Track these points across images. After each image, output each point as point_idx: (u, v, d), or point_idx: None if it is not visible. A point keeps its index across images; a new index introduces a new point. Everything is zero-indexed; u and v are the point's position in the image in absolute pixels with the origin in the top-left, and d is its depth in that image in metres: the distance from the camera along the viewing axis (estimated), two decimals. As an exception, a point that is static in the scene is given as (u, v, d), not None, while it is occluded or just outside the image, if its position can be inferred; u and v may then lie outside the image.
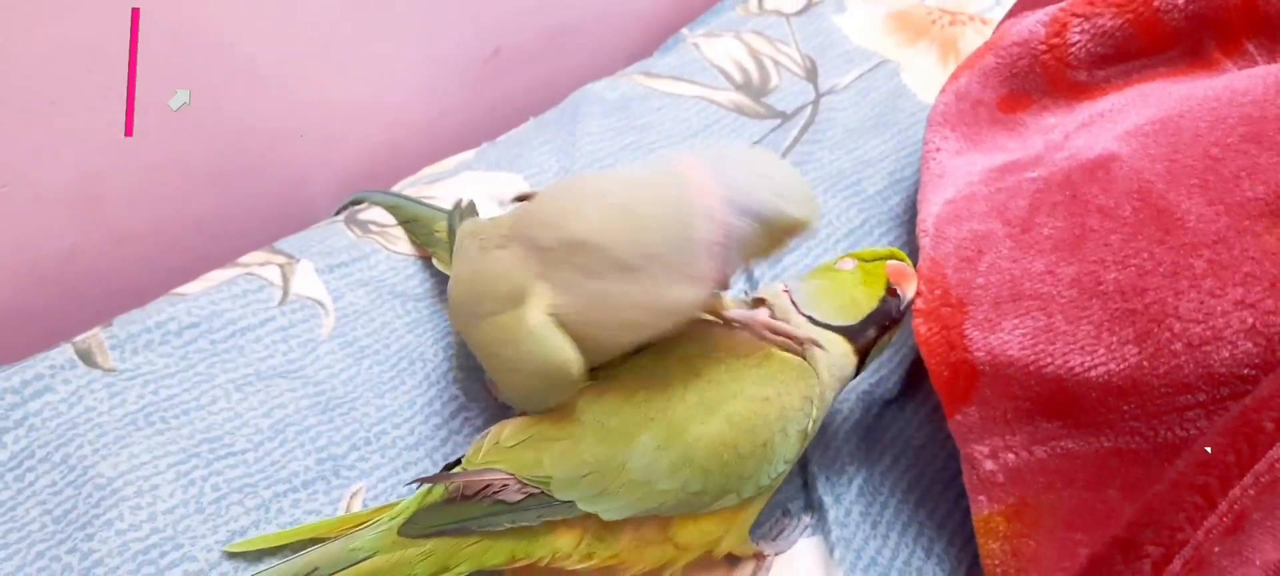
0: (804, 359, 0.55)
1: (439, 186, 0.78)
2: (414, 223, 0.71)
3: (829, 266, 0.60)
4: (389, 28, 0.85)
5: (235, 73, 0.76)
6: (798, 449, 0.54)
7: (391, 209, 0.74)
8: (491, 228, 0.55)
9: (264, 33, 0.76)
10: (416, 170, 0.85)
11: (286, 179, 0.85)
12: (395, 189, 0.80)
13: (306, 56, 0.80)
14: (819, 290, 0.58)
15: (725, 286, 0.53)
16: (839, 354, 0.56)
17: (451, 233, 0.64)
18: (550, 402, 0.53)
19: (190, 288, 0.67)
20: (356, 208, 0.76)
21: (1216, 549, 0.43)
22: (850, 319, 0.57)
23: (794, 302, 0.57)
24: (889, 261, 0.59)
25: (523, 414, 0.55)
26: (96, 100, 0.65)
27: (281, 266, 0.68)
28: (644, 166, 0.53)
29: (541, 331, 0.49)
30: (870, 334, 0.57)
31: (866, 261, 0.60)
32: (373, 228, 0.74)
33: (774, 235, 0.50)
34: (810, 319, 0.57)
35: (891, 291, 0.58)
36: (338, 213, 0.79)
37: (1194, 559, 0.43)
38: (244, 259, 0.70)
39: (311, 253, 0.70)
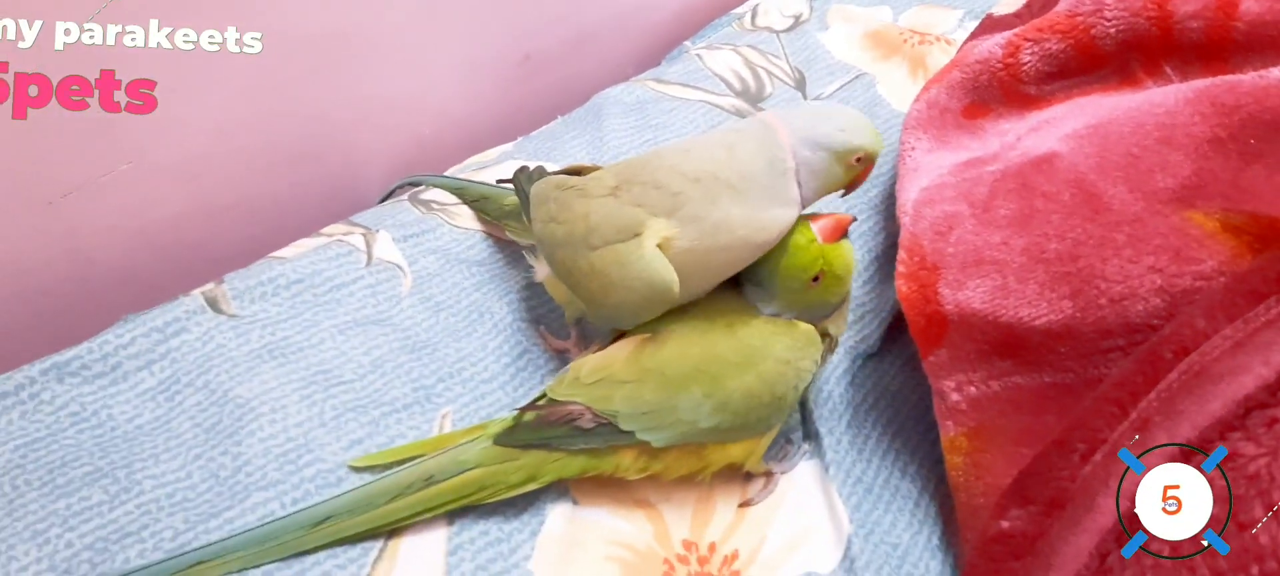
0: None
1: (485, 172, 0.91)
2: (485, 200, 0.84)
3: (805, 287, 0.67)
4: (435, 33, 0.98)
5: (306, 70, 0.88)
6: (801, 396, 0.69)
7: (456, 190, 0.87)
8: (592, 182, 0.68)
9: (330, 33, 0.88)
10: (457, 160, 0.98)
11: (347, 163, 0.97)
12: (448, 173, 0.92)
13: (365, 56, 0.93)
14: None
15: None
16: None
17: (522, 193, 0.77)
18: (644, 319, 0.67)
19: (286, 252, 0.79)
20: (417, 189, 0.89)
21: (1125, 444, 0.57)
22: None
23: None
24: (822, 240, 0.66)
25: (599, 347, 0.69)
26: (199, 91, 0.78)
27: (364, 235, 0.81)
28: (734, 124, 0.67)
29: (653, 256, 0.62)
30: None
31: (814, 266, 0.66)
32: (435, 206, 0.86)
33: (843, 160, 0.65)
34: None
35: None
36: (385, 198, 0.91)
37: (1110, 452, 0.57)
38: (328, 229, 0.82)
39: (386, 225, 0.83)
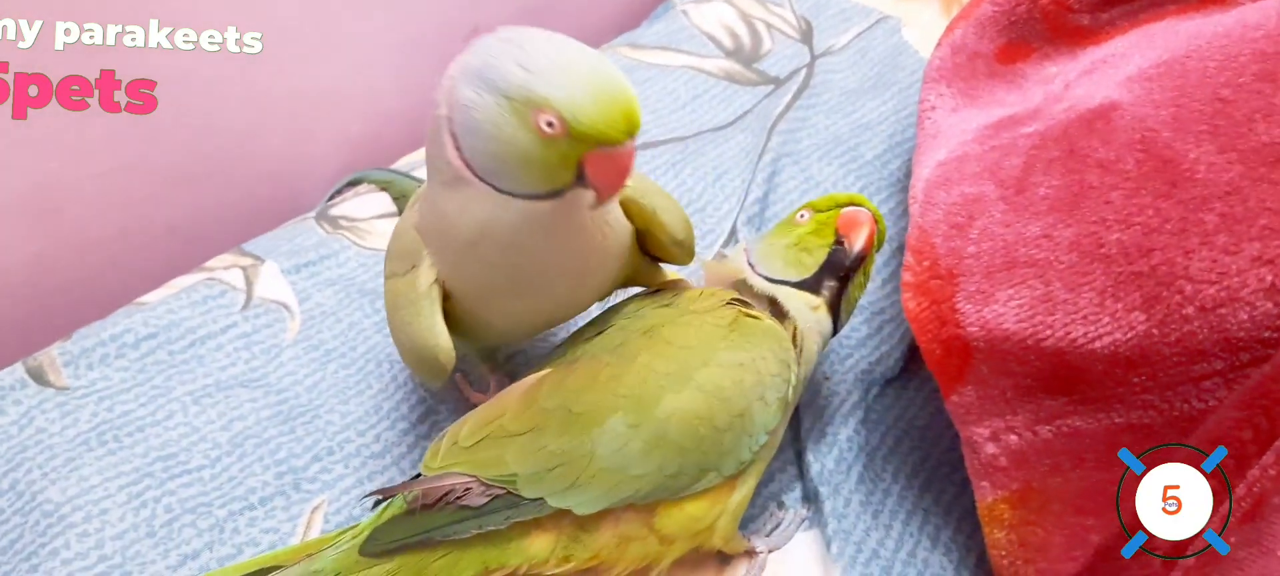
0: (780, 320, 0.52)
1: (417, 175, 0.75)
2: (404, 200, 0.68)
3: (788, 221, 0.57)
4: (359, 12, 0.82)
5: (199, 69, 0.72)
6: (779, 418, 0.51)
7: (385, 184, 0.71)
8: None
9: (227, 24, 0.73)
10: (393, 161, 0.82)
11: (260, 176, 0.81)
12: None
13: (274, 47, 0.77)
14: (771, 247, 0.56)
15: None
16: (805, 309, 0.53)
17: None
18: (429, 382, 0.51)
19: (152, 296, 0.64)
20: (331, 203, 0.73)
21: (1233, 539, 0.38)
22: (803, 273, 0.54)
23: (750, 262, 0.55)
24: (844, 209, 0.55)
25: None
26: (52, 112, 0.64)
27: (245, 270, 0.66)
28: None
29: (423, 301, 0.47)
30: (831, 286, 0.54)
31: (821, 211, 0.56)
32: (343, 223, 0.71)
33: (521, 114, 0.39)
34: (766, 277, 0.54)
35: (839, 240, 0.54)
36: (332, 196, 0.76)
37: (1208, 551, 0.39)
38: (210, 263, 0.67)
39: (279, 253, 0.67)
